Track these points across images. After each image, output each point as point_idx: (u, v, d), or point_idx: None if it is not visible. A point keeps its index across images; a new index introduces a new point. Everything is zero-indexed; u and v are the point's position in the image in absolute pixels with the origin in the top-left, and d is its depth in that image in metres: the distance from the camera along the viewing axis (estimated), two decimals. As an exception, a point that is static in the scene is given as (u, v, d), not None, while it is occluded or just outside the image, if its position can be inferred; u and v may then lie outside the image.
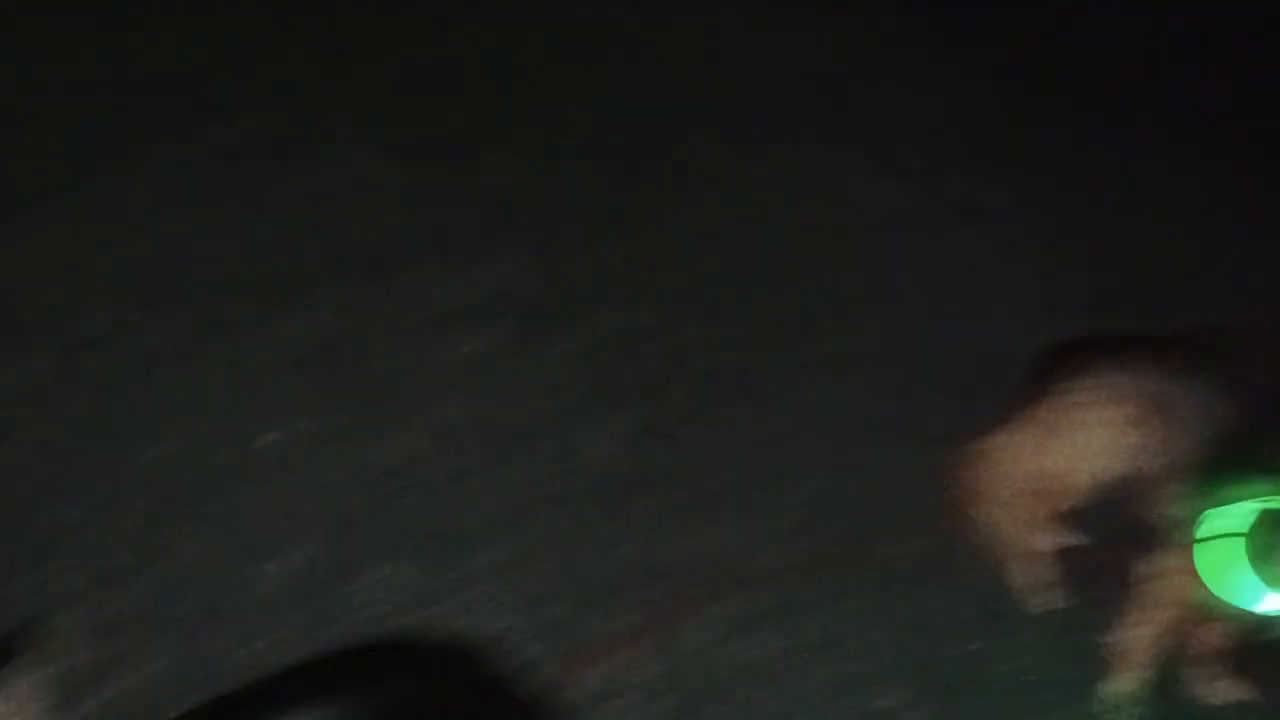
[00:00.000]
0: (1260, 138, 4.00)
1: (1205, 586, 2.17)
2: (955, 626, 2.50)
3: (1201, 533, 2.15)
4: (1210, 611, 2.29)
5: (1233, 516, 2.13)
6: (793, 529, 2.66)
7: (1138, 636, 2.33)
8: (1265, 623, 2.14)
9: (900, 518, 2.68)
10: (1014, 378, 2.73)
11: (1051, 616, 2.53)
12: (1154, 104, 4.16)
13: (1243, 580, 2.10)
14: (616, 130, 3.78)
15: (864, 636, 2.43)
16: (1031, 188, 3.71)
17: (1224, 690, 2.42)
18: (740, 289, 3.33)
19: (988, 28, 4.27)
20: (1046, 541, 2.60)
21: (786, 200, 3.65)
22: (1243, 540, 2.09)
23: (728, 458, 2.82)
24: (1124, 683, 2.38)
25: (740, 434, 2.89)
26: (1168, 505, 2.25)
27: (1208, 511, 2.15)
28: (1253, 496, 2.12)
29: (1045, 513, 2.47)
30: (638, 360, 3.04)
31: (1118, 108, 4.10)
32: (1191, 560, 2.18)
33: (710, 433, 2.88)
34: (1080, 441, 2.36)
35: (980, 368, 3.00)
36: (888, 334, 3.16)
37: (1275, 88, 4.17)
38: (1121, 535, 2.64)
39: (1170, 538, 2.25)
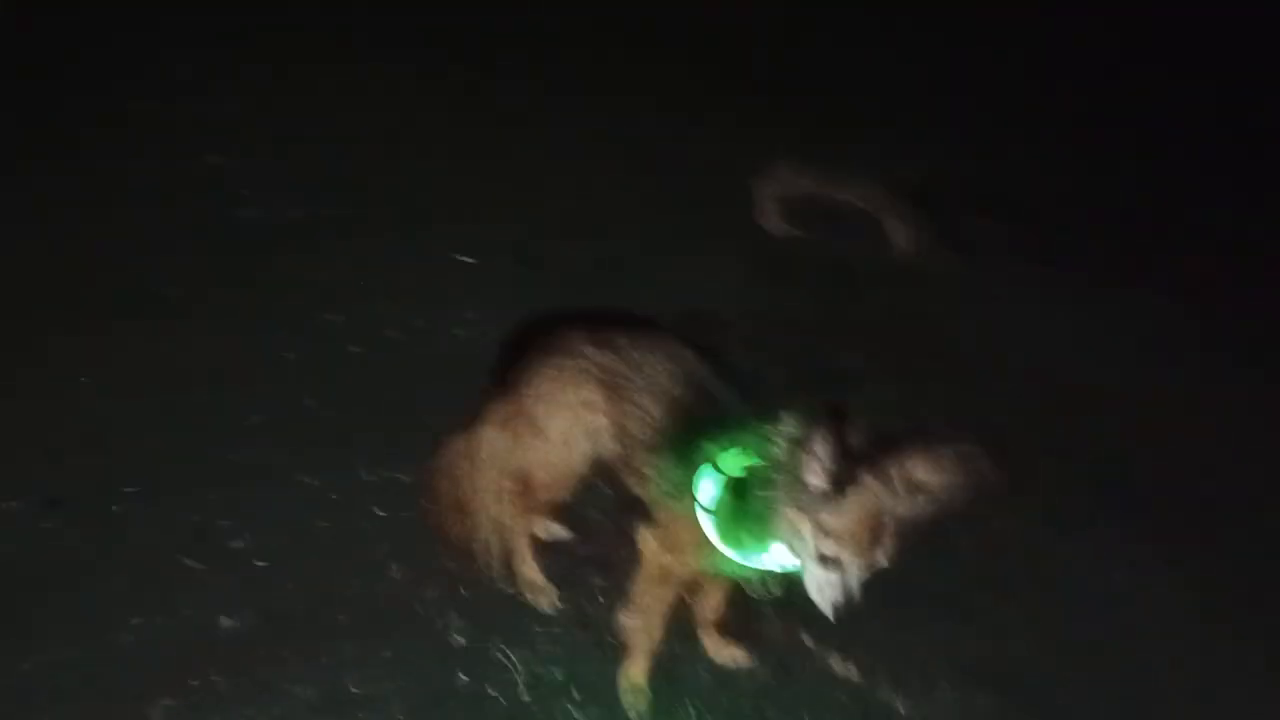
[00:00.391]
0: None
1: (704, 553, 2.14)
2: (457, 653, 2.34)
3: (688, 500, 2.11)
4: (712, 577, 2.28)
5: (716, 479, 2.10)
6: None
7: (647, 616, 2.27)
8: (765, 580, 2.13)
9: (383, 545, 2.47)
10: (478, 373, 2.61)
11: (558, 614, 2.43)
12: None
13: (740, 540, 2.08)
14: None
15: (369, 683, 2.26)
16: (498, 177, 3.70)
17: (733, 654, 2.45)
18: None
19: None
20: (541, 536, 2.51)
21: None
22: (730, 503, 2.06)
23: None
24: (639, 666, 2.31)
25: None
26: (650, 479, 2.19)
27: (692, 476, 2.11)
28: (728, 459, 2.09)
29: (535, 506, 2.35)
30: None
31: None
32: (686, 530, 2.13)
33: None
34: (553, 428, 2.25)
35: (440, 366, 2.88)
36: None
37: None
38: (613, 517, 2.62)
39: (660, 511, 2.20)
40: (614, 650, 2.37)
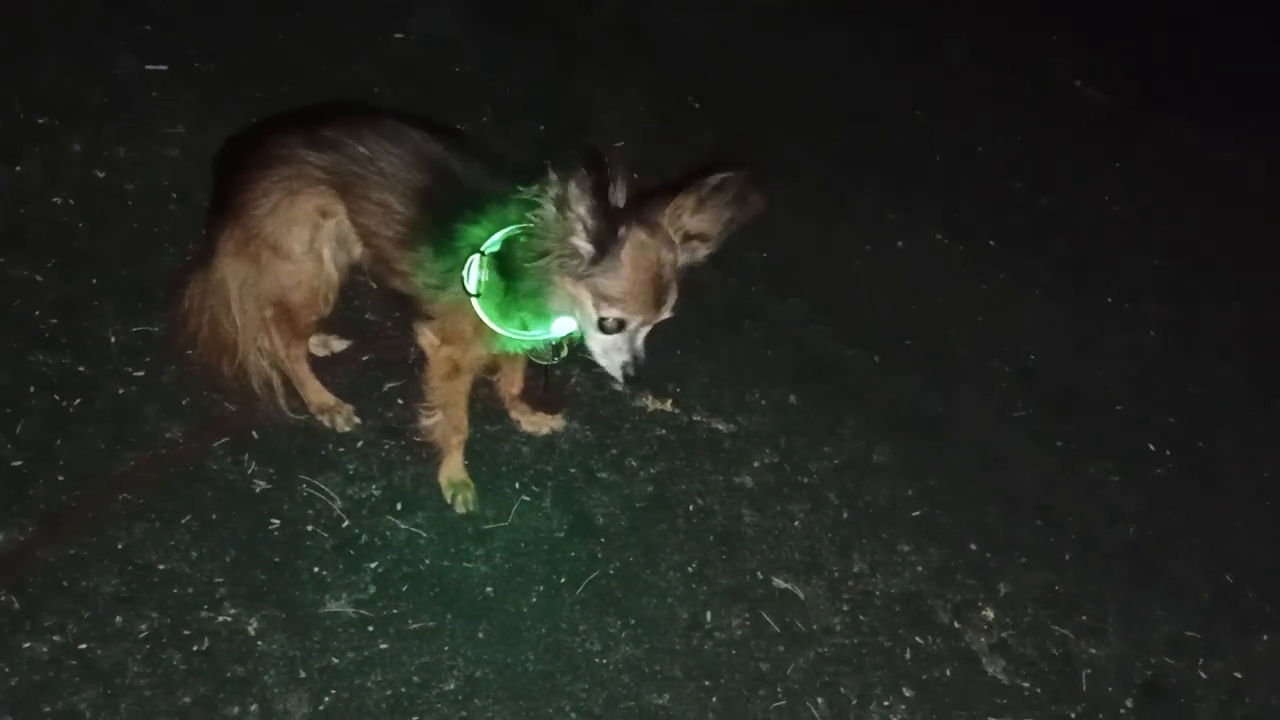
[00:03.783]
0: None
1: (486, 338, 2.04)
2: (263, 498, 2.22)
3: (458, 289, 2.01)
4: (504, 355, 2.19)
5: (480, 262, 1.97)
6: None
7: (448, 411, 2.18)
8: (557, 345, 2.09)
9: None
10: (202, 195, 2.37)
11: (358, 430, 2.32)
12: None
13: (520, 319, 1.99)
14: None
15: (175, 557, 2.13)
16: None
17: (546, 421, 2.40)
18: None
19: None
20: (318, 353, 2.38)
21: None
22: (500, 284, 1.95)
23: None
24: (455, 461, 2.25)
25: None
26: (411, 275, 2.05)
27: (455, 265, 2.00)
28: (486, 237, 1.98)
29: (302, 328, 2.21)
30: None
31: None
32: (463, 319, 2.03)
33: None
34: (293, 244, 2.10)
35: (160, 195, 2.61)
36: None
37: None
38: (388, 314, 2.48)
39: (432, 306, 2.08)
40: (426, 450, 2.29)
